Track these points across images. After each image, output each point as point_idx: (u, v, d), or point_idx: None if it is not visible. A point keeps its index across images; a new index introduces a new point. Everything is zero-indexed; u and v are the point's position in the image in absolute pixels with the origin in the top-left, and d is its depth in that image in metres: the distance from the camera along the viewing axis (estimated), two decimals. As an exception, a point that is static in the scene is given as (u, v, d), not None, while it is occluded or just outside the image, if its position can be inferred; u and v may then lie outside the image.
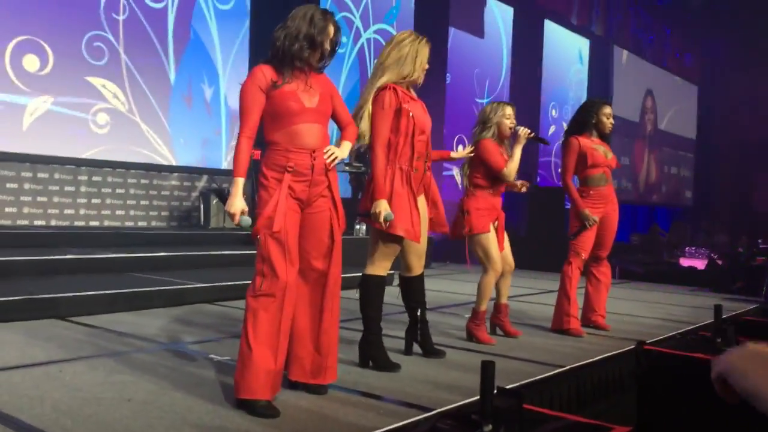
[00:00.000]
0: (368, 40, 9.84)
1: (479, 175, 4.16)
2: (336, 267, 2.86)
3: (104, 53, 7.21)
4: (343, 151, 2.93)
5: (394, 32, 9.64)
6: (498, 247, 4.15)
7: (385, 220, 3.19)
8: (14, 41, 6.52)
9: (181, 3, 7.83)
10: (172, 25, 7.84)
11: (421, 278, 3.62)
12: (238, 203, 2.69)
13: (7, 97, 6.45)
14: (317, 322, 2.87)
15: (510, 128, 4.17)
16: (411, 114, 3.32)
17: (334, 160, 2.82)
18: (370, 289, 3.39)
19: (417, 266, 3.58)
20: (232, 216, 2.71)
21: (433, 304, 5.44)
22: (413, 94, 3.47)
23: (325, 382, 2.89)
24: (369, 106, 3.31)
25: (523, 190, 4.36)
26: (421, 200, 3.46)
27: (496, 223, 4.19)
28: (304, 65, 2.76)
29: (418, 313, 3.64)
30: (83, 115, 6.98)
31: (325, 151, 2.79)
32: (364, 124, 3.29)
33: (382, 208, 3.20)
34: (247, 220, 2.69)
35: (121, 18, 7.41)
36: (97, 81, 7.13)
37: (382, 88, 3.32)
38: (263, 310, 2.64)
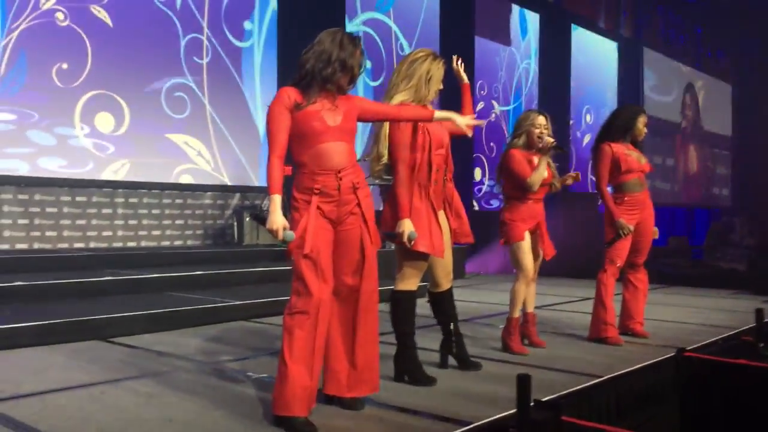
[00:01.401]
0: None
1: (510, 185, 4.19)
2: (368, 283, 2.88)
3: (186, 104, 7.49)
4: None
5: (390, 23, 9.63)
6: (532, 256, 4.16)
7: (409, 239, 3.22)
8: (84, 97, 6.72)
9: (269, 35, 8.03)
10: (259, 65, 8.02)
11: (449, 292, 3.63)
12: (279, 219, 2.71)
13: (78, 167, 6.67)
14: (351, 338, 2.90)
15: (538, 137, 4.16)
16: (427, 129, 3.35)
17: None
18: (402, 305, 3.40)
19: (444, 281, 3.59)
20: (275, 232, 2.71)
21: (467, 315, 5.42)
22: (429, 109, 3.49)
23: (361, 395, 2.90)
24: (387, 128, 3.35)
25: (570, 182, 4.37)
26: (442, 214, 3.48)
27: (537, 231, 4.20)
28: (334, 88, 2.81)
29: (451, 327, 3.63)
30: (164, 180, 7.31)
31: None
32: (382, 146, 3.34)
33: (406, 227, 3.22)
34: (291, 235, 2.71)
35: (204, 62, 7.62)
36: (178, 138, 7.39)
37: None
38: (298, 327, 2.68)
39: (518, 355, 4.03)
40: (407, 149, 3.31)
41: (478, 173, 10.94)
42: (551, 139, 4.11)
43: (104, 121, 6.92)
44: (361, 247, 2.86)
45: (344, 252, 2.86)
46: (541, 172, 4.08)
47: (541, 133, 4.15)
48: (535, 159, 4.16)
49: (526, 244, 4.13)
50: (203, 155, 7.74)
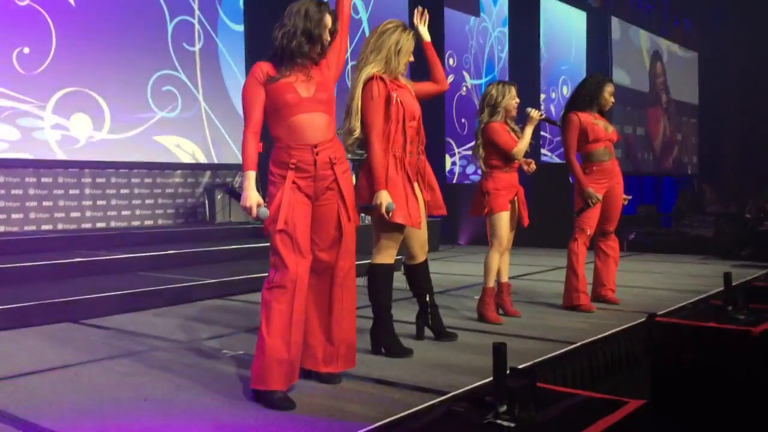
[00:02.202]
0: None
1: (493, 157, 4.21)
2: (344, 259, 2.87)
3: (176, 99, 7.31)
4: None
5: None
6: (510, 226, 4.22)
7: (387, 210, 3.21)
8: (57, 94, 6.49)
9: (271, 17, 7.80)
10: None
11: (425, 264, 3.64)
12: (253, 196, 2.71)
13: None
14: (326, 313, 2.90)
15: (515, 108, 4.21)
16: (400, 101, 3.33)
17: None
18: (379, 278, 3.40)
19: (420, 253, 3.60)
20: (249, 209, 2.71)
21: (443, 287, 5.45)
22: (401, 80, 3.47)
23: (336, 371, 2.91)
24: (358, 101, 3.31)
25: (529, 169, 4.37)
26: (416, 186, 3.47)
27: (516, 199, 4.26)
28: (306, 60, 2.79)
29: (427, 299, 3.65)
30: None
31: None
32: (354, 119, 3.31)
33: (383, 198, 3.21)
34: (265, 212, 2.70)
35: (196, 48, 7.42)
36: (168, 140, 7.23)
37: (369, 79, 3.32)
38: (275, 301, 2.68)
39: (493, 325, 4.07)
40: (381, 121, 3.29)
41: (449, 154, 10.90)
42: (539, 111, 4.19)
43: (81, 123, 6.70)
44: (338, 224, 2.85)
45: (321, 228, 2.84)
46: (526, 141, 4.14)
47: (518, 103, 4.21)
48: (510, 130, 4.21)
49: (506, 214, 4.19)
50: (198, 158, 7.63)
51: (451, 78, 10.80)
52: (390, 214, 3.22)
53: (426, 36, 3.66)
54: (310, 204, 2.80)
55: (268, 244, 2.77)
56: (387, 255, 3.41)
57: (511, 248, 4.35)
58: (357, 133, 3.32)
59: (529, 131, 4.16)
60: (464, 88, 11.28)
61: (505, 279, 4.33)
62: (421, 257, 3.61)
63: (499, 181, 4.19)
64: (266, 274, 2.77)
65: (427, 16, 3.67)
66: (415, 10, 3.66)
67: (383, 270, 3.41)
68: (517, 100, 4.25)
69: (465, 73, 11.32)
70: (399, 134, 3.34)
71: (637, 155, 15.98)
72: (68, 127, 6.62)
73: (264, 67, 2.77)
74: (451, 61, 10.90)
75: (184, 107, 7.52)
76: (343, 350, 2.92)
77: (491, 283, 4.20)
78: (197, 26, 7.63)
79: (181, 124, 7.52)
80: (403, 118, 3.34)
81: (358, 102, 3.32)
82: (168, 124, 7.40)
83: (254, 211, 2.70)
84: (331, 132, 2.83)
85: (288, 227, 2.70)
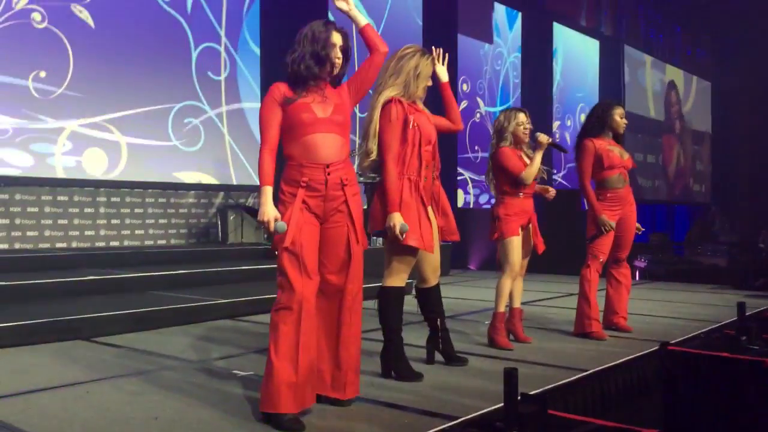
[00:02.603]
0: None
1: (504, 182, 4.24)
2: (353, 283, 2.87)
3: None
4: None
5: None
6: (521, 252, 4.21)
7: (401, 232, 3.21)
8: (68, 129, 6.51)
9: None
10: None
11: (437, 288, 3.64)
12: (270, 210, 2.70)
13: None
14: (335, 337, 2.88)
15: (524, 134, 4.22)
16: (417, 124, 3.36)
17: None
18: (390, 301, 3.40)
19: (432, 277, 3.60)
20: (266, 224, 2.70)
21: (454, 311, 5.44)
22: (418, 105, 3.51)
23: (343, 398, 2.89)
24: (376, 124, 3.34)
25: (549, 196, 4.39)
26: (430, 210, 3.49)
27: (530, 226, 4.26)
28: (318, 81, 2.82)
29: (438, 323, 3.64)
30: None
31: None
32: (372, 142, 3.34)
33: (396, 220, 3.22)
34: (282, 226, 2.68)
35: (222, 78, 7.56)
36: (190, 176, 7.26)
37: (388, 102, 3.36)
38: (282, 323, 2.67)
39: (504, 350, 4.05)
40: (398, 144, 3.32)
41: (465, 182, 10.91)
42: (546, 136, 4.20)
43: (94, 160, 6.76)
44: (347, 247, 2.85)
45: (330, 250, 2.85)
46: (535, 166, 4.15)
47: (526, 128, 4.22)
48: (524, 156, 4.22)
49: (518, 239, 4.18)
50: (211, 179, 7.66)
51: (464, 104, 10.86)
52: (403, 236, 3.22)
53: (444, 77, 3.70)
54: (318, 225, 2.81)
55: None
56: (398, 278, 3.41)
57: (524, 274, 4.34)
58: (373, 155, 3.34)
59: (538, 156, 4.17)
60: (478, 115, 11.31)
61: (517, 305, 4.32)
62: (433, 281, 3.61)
63: (509, 207, 4.20)
64: (276, 296, 2.77)
65: (446, 56, 3.72)
66: (433, 48, 3.70)
67: (394, 293, 3.41)
68: (528, 126, 4.25)
69: (479, 100, 11.36)
70: (414, 158, 3.36)
71: (646, 183, 15.93)
72: (82, 162, 6.69)
73: (282, 88, 2.81)
74: (464, 87, 10.95)
75: (206, 139, 7.62)
76: (351, 377, 2.90)
77: (502, 308, 4.18)
78: (224, 54, 7.74)
79: (203, 155, 7.62)
80: (420, 142, 3.36)
81: (376, 125, 3.34)
82: (188, 156, 7.50)
83: (272, 225, 2.69)
84: (344, 153, 2.84)
85: (295, 247, 2.70)
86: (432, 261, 3.57)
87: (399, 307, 3.43)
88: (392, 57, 3.45)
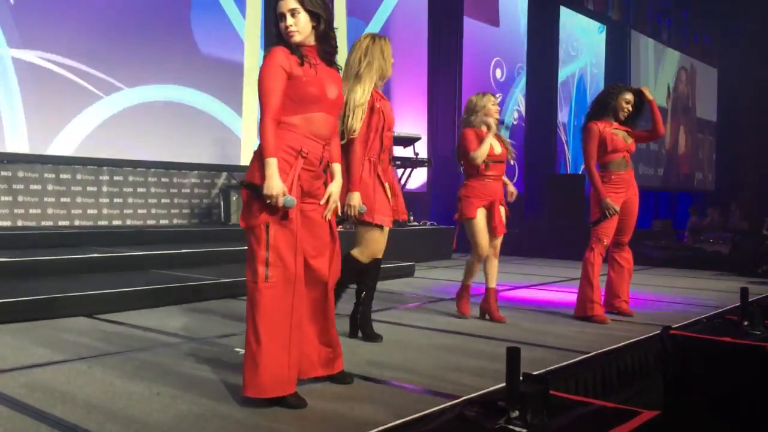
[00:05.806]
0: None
1: (467, 164, 4.39)
2: (335, 265, 2.84)
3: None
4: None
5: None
6: (486, 233, 4.34)
7: (360, 212, 3.45)
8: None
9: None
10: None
11: (377, 263, 3.77)
12: (277, 184, 2.48)
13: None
14: (322, 318, 2.84)
15: (485, 117, 4.36)
16: (383, 112, 3.60)
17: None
18: (349, 264, 3.59)
19: (377, 252, 3.73)
20: (274, 198, 2.49)
21: (452, 294, 5.43)
22: (381, 93, 3.72)
23: (335, 372, 2.89)
24: (345, 108, 3.47)
25: (509, 194, 4.49)
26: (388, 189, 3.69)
27: (494, 208, 4.36)
28: (304, 50, 2.66)
29: (362, 295, 3.79)
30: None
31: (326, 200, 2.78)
32: (355, 121, 3.50)
33: (355, 200, 3.44)
34: (291, 200, 2.52)
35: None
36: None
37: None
38: (276, 300, 2.54)
39: (464, 318, 4.39)
40: (364, 129, 3.54)
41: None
42: (492, 120, 4.33)
43: (97, 138, 6.74)
44: (330, 229, 2.80)
45: (314, 232, 2.74)
46: (484, 147, 4.27)
47: (489, 111, 4.36)
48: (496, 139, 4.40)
49: (478, 221, 4.31)
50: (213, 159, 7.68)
51: (499, 97, 10.85)
52: (361, 215, 3.46)
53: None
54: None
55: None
56: (366, 253, 3.64)
57: (497, 255, 4.44)
58: (356, 134, 3.51)
59: (488, 138, 4.29)
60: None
61: (492, 285, 4.43)
62: (378, 255, 3.73)
63: (470, 189, 4.36)
64: (257, 271, 2.56)
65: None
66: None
67: (354, 260, 3.65)
68: (493, 108, 4.35)
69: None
70: (377, 141, 3.60)
71: (648, 170, 15.89)
72: (84, 141, 6.66)
73: (286, 53, 2.61)
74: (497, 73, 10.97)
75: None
76: (339, 350, 2.91)
77: (468, 282, 4.49)
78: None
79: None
80: (383, 127, 3.60)
81: (360, 107, 3.53)
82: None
83: (280, 200, 2.50)
84: (335, 132, 2.84)
85: (292, 224, 2.58)
86: (382, 238, 3.72)
87: (355, 271, 3.66)
88: (355, 50, 3.63)
